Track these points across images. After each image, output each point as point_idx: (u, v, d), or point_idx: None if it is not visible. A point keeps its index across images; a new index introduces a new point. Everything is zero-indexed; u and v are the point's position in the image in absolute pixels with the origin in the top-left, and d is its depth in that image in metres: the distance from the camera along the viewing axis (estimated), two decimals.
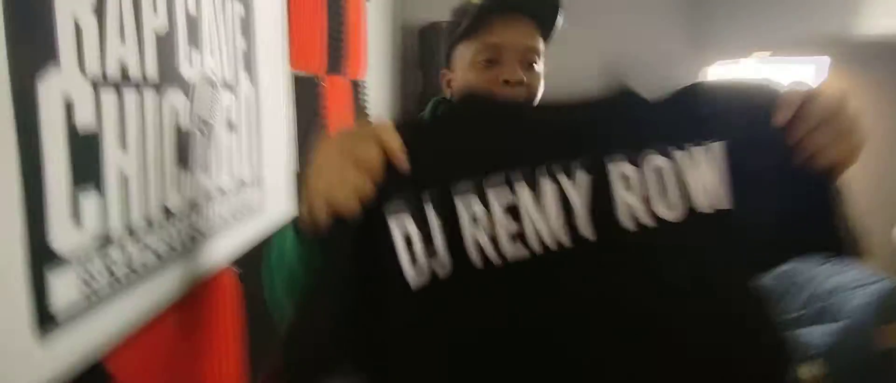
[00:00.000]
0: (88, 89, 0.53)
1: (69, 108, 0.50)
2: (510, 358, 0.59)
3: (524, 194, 0.60)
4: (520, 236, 0.60)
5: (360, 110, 2.02)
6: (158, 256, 0.66)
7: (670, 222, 0.62)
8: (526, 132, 0.66)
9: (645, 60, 2.64)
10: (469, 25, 0.87)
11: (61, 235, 0.50)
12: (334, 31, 1.62)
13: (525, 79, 0.87)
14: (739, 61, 3.02)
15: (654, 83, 0.70)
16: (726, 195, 0.64)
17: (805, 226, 0.66)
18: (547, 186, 0.61)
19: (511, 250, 0.59)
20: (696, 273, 0.62)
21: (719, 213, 0.64)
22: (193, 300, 0.76)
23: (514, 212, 0.60)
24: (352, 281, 0.57)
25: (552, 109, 0.70)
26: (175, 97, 0.70)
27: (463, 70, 0.90)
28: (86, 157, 0.53)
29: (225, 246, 0.86)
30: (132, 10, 0.60)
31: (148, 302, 0.64)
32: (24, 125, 0.45)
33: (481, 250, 0.59)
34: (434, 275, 0.58)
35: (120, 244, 0.58)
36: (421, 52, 3.16)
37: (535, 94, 0.89)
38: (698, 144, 0.64)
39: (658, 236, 0.62)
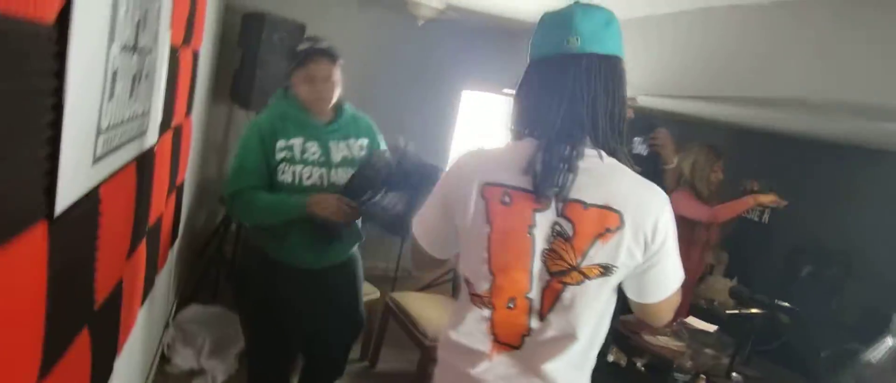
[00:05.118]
0: (120, 52, 1.09)
1: (113, 59, 1.06)
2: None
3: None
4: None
5: (193, 76, 2.48)
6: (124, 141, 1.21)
7: None
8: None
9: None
10: (299, 62, 1.89)
11: (102, 123, 1.06)
12: (191, 9, 2.10)
13: (325, 94, 1.96)
14: (487, 93, 4.10)
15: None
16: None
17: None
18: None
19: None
20: None
21: None
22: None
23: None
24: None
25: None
26: (142, 57, 1.24)
27: (299, 84, 1.93)
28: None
29: (130, 148, 1.39)
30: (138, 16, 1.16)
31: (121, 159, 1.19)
32: (106, 71, 1.02)
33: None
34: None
35: (115, 129, 1.14)
36: (242, 34, 3.60)
37: (331, 100, 1.94)
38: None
39: None
